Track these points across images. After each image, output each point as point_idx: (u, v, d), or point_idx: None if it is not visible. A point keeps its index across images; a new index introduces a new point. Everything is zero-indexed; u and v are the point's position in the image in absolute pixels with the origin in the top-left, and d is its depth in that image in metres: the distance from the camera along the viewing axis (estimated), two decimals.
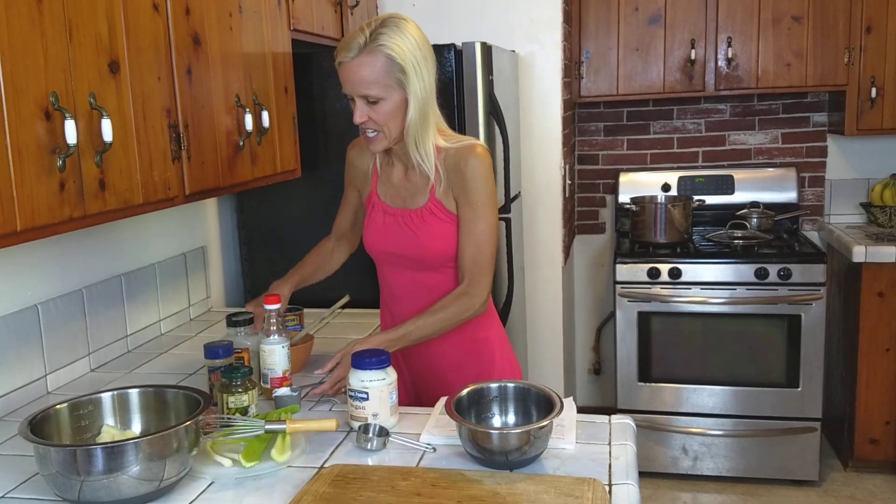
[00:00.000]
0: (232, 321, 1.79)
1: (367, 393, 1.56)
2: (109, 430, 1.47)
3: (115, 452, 1.27)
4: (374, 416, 1.57)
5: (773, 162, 3.88)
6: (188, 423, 1.35)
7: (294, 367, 1.95)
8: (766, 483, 3.46)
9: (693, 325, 3.42)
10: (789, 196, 3.80)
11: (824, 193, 3.88)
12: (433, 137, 1.75)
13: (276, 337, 1.71)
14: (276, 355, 1.71)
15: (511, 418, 1.52)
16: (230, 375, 1.61)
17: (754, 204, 3.73)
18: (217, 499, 1.36)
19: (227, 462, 1.43)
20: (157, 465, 1.31)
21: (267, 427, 1.48)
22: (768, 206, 3.73)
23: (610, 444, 1.51)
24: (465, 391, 1.50)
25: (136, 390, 1.52)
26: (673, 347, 3.45)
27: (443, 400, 1.67)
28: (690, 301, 3.36)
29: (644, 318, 3.43)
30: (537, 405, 1.49)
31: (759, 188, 3.80)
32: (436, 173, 1.77)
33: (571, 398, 1.66)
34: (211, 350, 1.72)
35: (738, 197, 3.80)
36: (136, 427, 1.51)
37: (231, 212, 2.74)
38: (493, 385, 1.53)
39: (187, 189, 1.80)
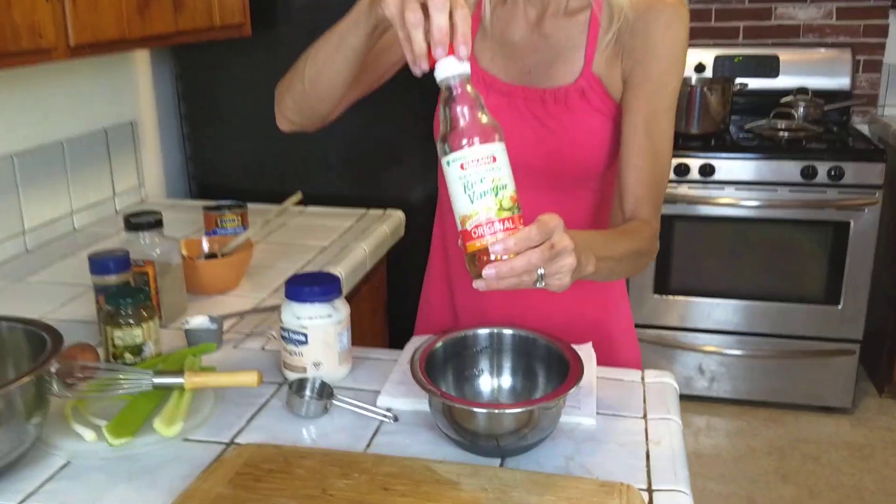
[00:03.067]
0: (131, 223, 1.32)
1: (304, 334, 1.11)
2: None
3: None
4: (316, 365, 1.12)
5: (825, 41, 3.32)
6: (25, 378, 0.90)
7: (226, 284, 1.49)
8: (792, 409, 3.08)
9: (723, 231, 2.95)
10: (841, 82, 3.25)
11: (880, 80, 3.34)
12: None
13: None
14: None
15: (506, 380, 1.06)
16: (117, 301, 1.15)
17: (801, 90, 3.19)
18: (66, 490, 0.92)
19: (89, 434, 0.99)
20: None
21: (156, 381, 1.04)
22: (817, 94, 3.19)
23: (645, 416, 1.07)
24: (440, 341, 1.05)
25: None
26: (697, 256, 3.00)
27: (411, 345, 1.22)
28: (723, 203, 2.88)
29: (666, 223, 2.95)
30: (546, 362, 1.04)
31: (808, 72, 3.26)
32: (595, 24, 1.15)
33: (590, 345, 1.21)
34: (99, 263, 1.25)
35: (783, 81, 3.25)
36: None
37: (170, 79, 2.22)
38: (482, 332, 1.07)
39: (72, 39, 1.31)
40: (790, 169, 2.83)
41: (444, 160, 0.86)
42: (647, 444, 1.00)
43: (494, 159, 0.84)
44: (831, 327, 2.96)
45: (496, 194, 0.84)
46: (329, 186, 2.08)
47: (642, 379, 1.17)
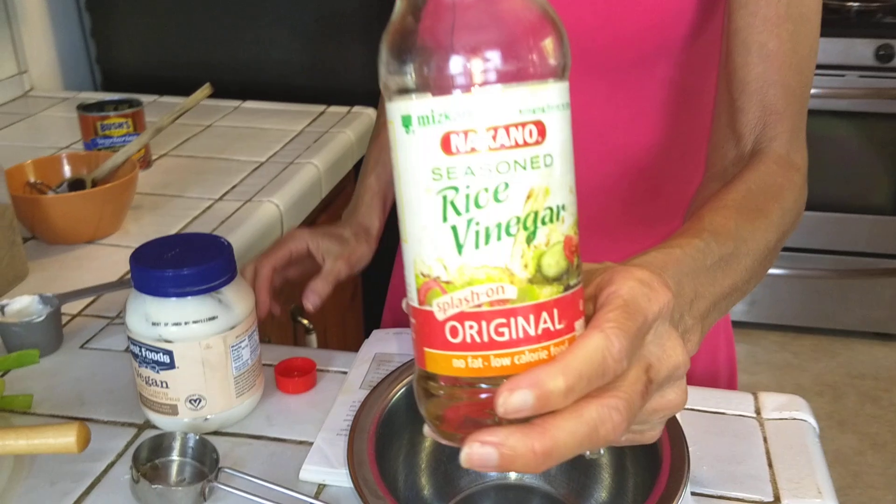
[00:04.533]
0: None
1: (168, 353, 0.62)
2: None
3: None
4: (194, 402, 0.64)
5: None
6: None
7: (98, 229, 0.99)
8: (842, 336, 2.64)
9: None
10: None
11: None
12: None
13: None
14: None
15: None
16: None
17: None
18: None
19: None
20: None
21: None
22: None
23: (778, 501, 0.59)
24: (401, 386, 0.56)
25: None
26: None
27: (370, 348, 0.73)
28: None
29: None
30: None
31: None
32: None
33: None
34: None
35: None
36: None
37: None
38: None
39: None
40: (862, 50, 2.28)
41: (394, 109, 0.33)
42: None
43: (541, 134, 0.32)
44: None
45: (530, 237, 0.33)
46: (277, 74, 1.55)
47: (757, 412, 0.69)
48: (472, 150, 0.31)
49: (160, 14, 1.58)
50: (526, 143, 0.32)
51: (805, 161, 0.63)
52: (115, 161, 1.01)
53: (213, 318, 0.62)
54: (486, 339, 0.32)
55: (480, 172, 0.32)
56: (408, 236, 0.34)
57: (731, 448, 0.64)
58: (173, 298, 0.61)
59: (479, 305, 0.32)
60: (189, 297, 0.61)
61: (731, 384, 0.86)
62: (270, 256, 0.78)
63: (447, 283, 0.33)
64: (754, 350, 2.60)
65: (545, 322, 0.33)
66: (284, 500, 0.58)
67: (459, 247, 0.32)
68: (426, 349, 0.34)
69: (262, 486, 0.59)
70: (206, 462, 0.61)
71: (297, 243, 0.79)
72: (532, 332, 0.32)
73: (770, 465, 0.63)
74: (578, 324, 0.34)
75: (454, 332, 0.33)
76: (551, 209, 0.33)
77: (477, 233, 0.32)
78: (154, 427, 0.66)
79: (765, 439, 0.66)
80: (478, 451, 0.31)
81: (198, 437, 0.61)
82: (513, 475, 0.56)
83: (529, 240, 0.32)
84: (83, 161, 1.03)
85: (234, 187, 1.13)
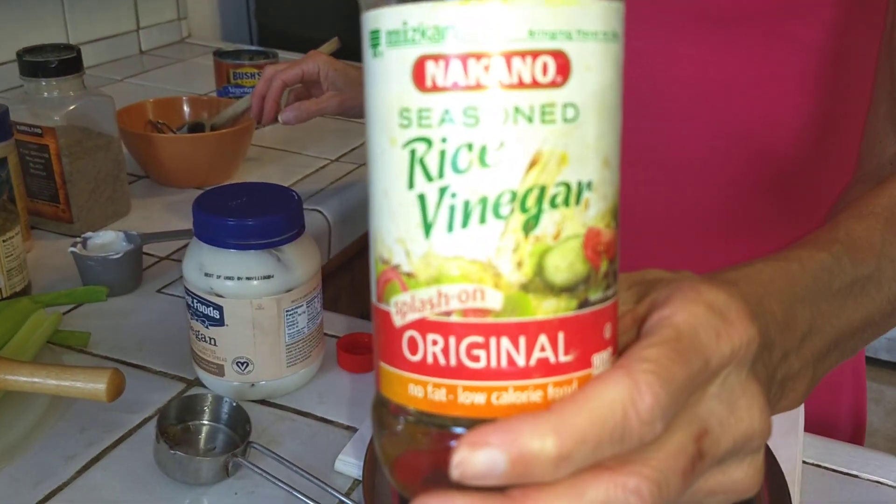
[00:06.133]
0: (26, 62, 0.79)
1: (218, 307, 0.57)
2: None
3: None
4: (241, 366, 0.59)
5: None
6: None
7: (209, 175, 0.97)
8: None
9: None
10: None
11: None
12: None
13: None
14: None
15: None
16: None
17: None
18: None
19: None
20: None
21: None
22: None
23: None
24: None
25: None
26: None
27: None
28: None
29: None
30: None
31: None
32: None
33: (800, 411, 0.60)
34: None
35: None
36: None
37: None
38: None
39: None
40: None
41: (364, 23, 0.25)
42: None
43: (562, 72, 0.22)
44: None
45: (530, 224, 0.22)
46: (350, 35, 1.50)
47: None
48: (454, 85, 0.22)
49: None
50: (536, 83, 0.22)
51: None
52: (236, 109, 0.98)
53: (268, 277, 0.56)
54: (453, 362, 0.23)
55: (463, 120, 0.22)
56: (370, 204, 0.25)
57: None
58: (228, 250, 0.56)
59: (447, 313, 0.23)
60: (245, 251, 0.56)
61: (855, 438, 0.72)
62: (285, 72, 0.87)
63: (409, 275, 0.23)
64: None
65: (543, 350, 0.23)
66: (312, 492, 0.52)
67: (427, 226, 0.23)
68: (381, 363, 0.25)
69: (290, 472, 0.53)
70: (235, 430, 0.55)
71: (311, 66, 0.87)
72: (521, 361, 0.23)
73: None
74: (599, 358, 0.24)
75: (413, 345, 0.24)
76: (568, 186, 0.22)
77: (452, 208, 0.22)
78: (203, 386, 0.62)
79: None
80: None
81: (234, 404, 0.56)
82: None
83: (528, 227, 0.22)
84: (204, 105, 1.01)
85: (352, 150, 1.09)
